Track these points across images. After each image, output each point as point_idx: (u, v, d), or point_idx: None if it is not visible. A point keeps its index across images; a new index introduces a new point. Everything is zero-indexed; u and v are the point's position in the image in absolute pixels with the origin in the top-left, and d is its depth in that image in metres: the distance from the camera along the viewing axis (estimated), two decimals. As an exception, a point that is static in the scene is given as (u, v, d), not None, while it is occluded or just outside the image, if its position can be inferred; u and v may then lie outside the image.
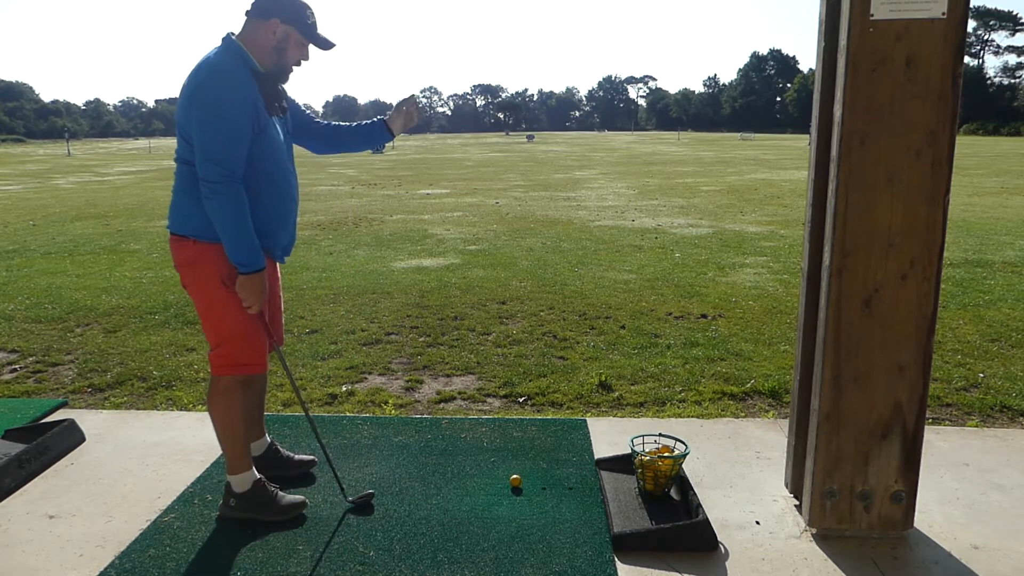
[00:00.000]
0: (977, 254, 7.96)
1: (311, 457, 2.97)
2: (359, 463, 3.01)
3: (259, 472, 2.65)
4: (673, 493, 2.72)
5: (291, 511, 2.57)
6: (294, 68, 2.44)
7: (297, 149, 2.65)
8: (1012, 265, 7.39)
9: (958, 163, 21.17)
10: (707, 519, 2.45)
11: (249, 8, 2.36)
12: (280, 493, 2.62)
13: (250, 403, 2.65)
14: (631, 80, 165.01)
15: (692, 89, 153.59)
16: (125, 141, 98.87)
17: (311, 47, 2.45)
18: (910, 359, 2.31)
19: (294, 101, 2.64)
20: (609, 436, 3.26)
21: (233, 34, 2.37)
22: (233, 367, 2.49)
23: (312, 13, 2.41)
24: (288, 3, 2.34)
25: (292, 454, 2.96)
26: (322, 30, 2.43)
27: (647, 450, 2.75)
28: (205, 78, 2.25)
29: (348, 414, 3.63)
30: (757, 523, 2.56)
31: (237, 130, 2.25)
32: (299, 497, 2.63)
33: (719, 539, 2.43)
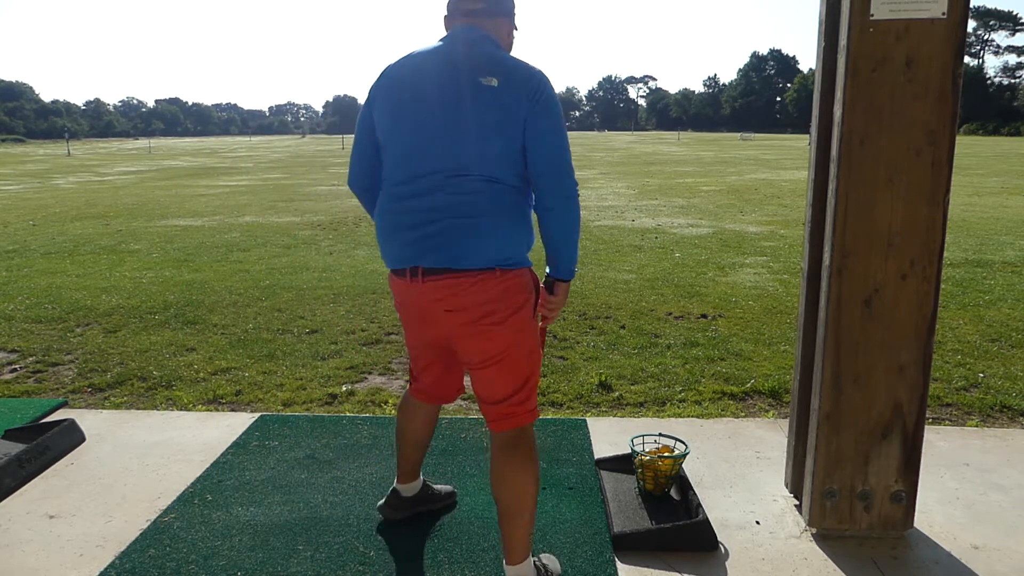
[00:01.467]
0: (977, 254, 7.96)
1: (451, 488, 2.72)
2: (359, 463, 3.01)
3: (408, 508, 2.52)
4: (673, 493, 2.72)
5: None
6: None
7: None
8: (1012, 265, 7.39)
9: (958, 163, 21.18)
10: (707, 519, 2.45)
11: (481, 7, 2.03)
12: None
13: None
14: (631, 80, 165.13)
15: (692, 89, 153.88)
16: (125, 141, 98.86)
17: None
18: (910, 359, 2.31)
19: None
20: (609, 436, 3.26)
21: (472, 27, 2.01)
22: (535, 408, 2.12)
23: None
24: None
25: (440, 488, 2.68)
26: None
27: (647, 450, 2.75)
28: (547, 82, 1.95)
29: (348, 414, 3.63)
30: (757, 523, 2.56)
31: None
32: None
33: (719, 539, 2.43)
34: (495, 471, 2.08)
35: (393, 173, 2.01)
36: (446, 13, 2.08)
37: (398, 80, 2.00)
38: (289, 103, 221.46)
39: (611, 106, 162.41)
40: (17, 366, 4.47)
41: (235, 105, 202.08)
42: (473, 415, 3.62)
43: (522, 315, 2.00)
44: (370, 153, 2.09)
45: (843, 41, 2.20)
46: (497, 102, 1.89)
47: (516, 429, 2.06)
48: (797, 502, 2.67)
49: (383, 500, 2.57)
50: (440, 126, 1.92)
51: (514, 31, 2.13)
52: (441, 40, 2.03)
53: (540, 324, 2.19)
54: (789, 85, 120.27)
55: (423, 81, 1.96)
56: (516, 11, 2.13)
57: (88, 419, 3.44)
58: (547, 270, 2.14)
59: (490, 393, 2.06)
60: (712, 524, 2.46)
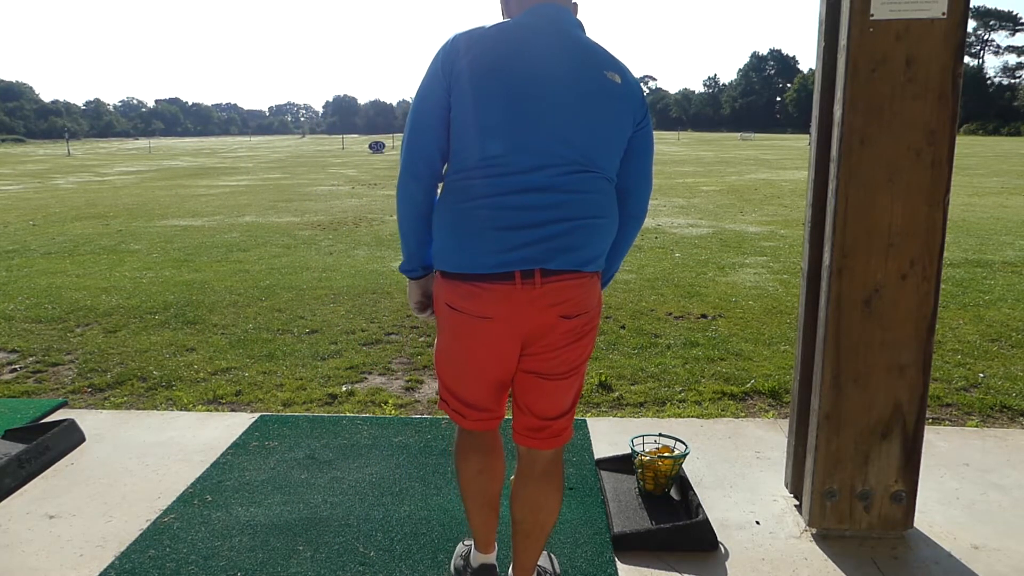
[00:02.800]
0: (977, 254, 7.96)
1: None
2: (359, 463, 3.01)
3: None
4: (673, 493, 2.72)
5: None
6: None
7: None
8: (1012, 265, 7.39)
9: (958, 163, 21.16)
10: (707, 519, 2.45)
11: None
12: None
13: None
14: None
15: (692, 89, 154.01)
16: (125, 141, 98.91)
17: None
18: (910, 359, 2.31)
19: None
20: (609, 436, 3.26)
21: (565, 8, 1.80)
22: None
23: None
24: None
25: None
26: None
27: (647, 450, 2.75)
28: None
29: (348, 414, 3.63)
30: (757, 523, 2.56)
31: None
32: None
33: (719, 539, 2.43)
34: (529, 493, 1.89)
35: (489, 161, 1.68)
36: None
37: (496, 55, 1.68)
38: (289, 103, 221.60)
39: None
40: (17, 366, 4.47)
41: (235, 105, 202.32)
42: (473, 415, 3.62)
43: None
44: (444, 135, 1.74)
45: (843, 41, 2.20)
46: (620, 103, 1.74)
47: (561, 447, 1.91)
48: (797, 502, 2.67)
49: None
50: (568, 116, 1.68)
51: None
52: (530, 16, 1.74)
53: None
54: (789, 85, 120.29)
55: (540, 62, 1.68)
56: None
57: (88, 419, 3.44)
58: None
59: (555, 406, 1.86)
60: (712, 524, 2.46)
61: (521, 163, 1.67)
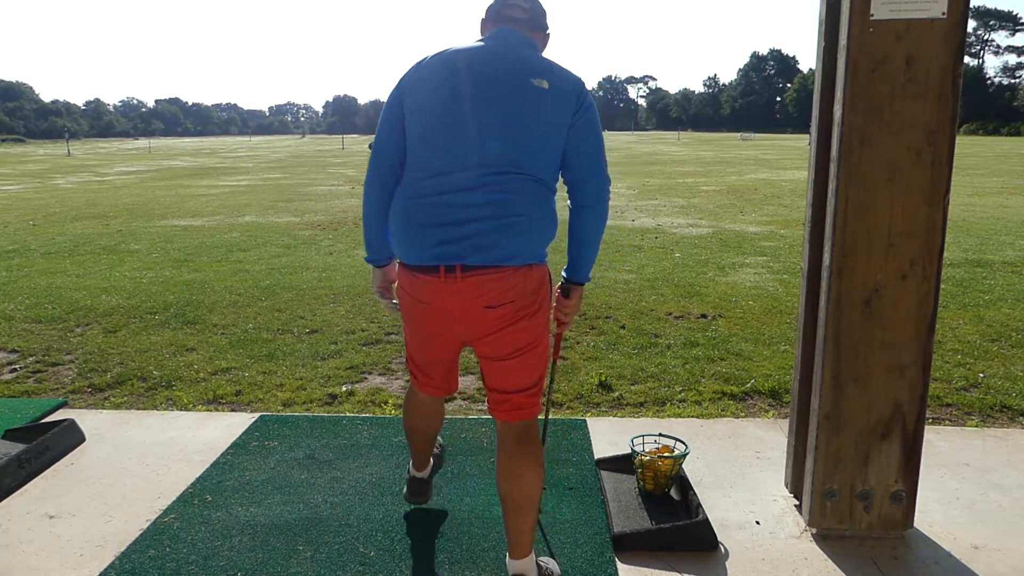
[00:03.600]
0: (977, 254, 7.96)
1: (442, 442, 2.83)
2: (359, 463, 3.01)
3: (431, 486, 2.64)
4: (673, 493, 2.72)
5: None
6: None
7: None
8: (1012, 265, 7.39)
9: (958, 163, 21.16)
10: (707, 519, 2.45)
11: (523, 16, 2.09)
12: None
13: None
14: (631, 80, 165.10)
15: (692, 89, 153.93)
16: (125, 141, 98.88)
17: None
18: (910, 359, 2.31)
19: None
20: (609, 436, 3.26)
21: (518, 32, 2.08)
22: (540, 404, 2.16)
23: None
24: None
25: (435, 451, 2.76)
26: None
27: (647, 450, 2.75)
28: (587, 91, 2.04)
29: (348, 414, 3.63)
30: (757, 523, 2.56)
31: None
32: None
33: (719, 539, 2.43)
34: (507, 465, 2.09)
35: (428, 164, 1.96)
36: (484, 18, 2.13)
37: (442, 73, 1.97)
38: (289, 103, 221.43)
39: (611, 106, 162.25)
40: (17, 366, 4.47)
41: (235, 105, 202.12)
42: (473, 415, 3.62)
43: (547, 306, 2.07)
44: (402, 145, 2.03)
45: (843, 41, 2.20)
46: (548, 104, 1.94)
47: (530, 420, 2.11)
48: (797, 502, 2.67)
49: (406, 490, 2.63)
50: (492, 122, 1.92)
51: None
52: (483, 40, 2.06)
53: (556, 330, 2.26)
54: (789, 85, 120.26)
55: (474, 76, 1.95)
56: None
57: (88, 419, 3.44)
58: (563, 274, 2.18)
59: (512, 383, 2.06)
60: (712, 524, 2.46)
61: (450, 167, 1.94)
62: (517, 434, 2.10)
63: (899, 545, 2.42)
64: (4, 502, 2.71)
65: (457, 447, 3.15)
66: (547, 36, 2.16)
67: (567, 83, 1.98)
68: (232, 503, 2.69)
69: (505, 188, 1.92)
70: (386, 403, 3.79)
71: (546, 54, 2.11)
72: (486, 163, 1.91)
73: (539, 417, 2.16)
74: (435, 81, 1.97)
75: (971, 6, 2.20)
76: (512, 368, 2.05)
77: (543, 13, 2.13)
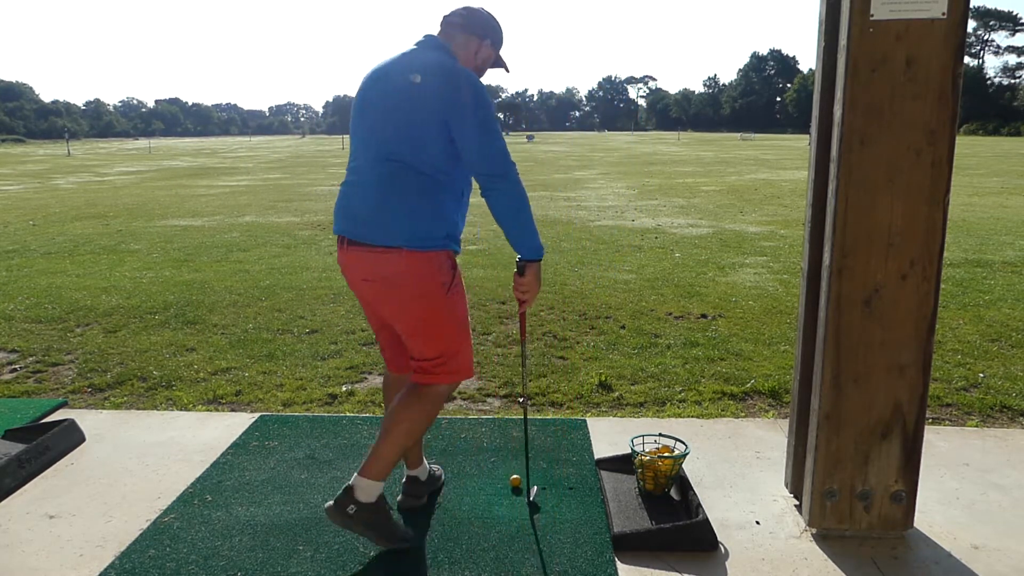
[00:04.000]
0: (977, 254, 7.96)
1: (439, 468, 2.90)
2: (359, 463, 2.99)
3: (424, 492, 2.70)
4: (673, 493, 2.72)
5: (400, 541, 2.38)
6: None
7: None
8: (1012, 265, 7.39)
9: (958, 163, 21.18)
10: (707, 519, 2.45)
11: (457, 21, 2.35)
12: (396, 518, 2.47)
13: None
14: (631, 80, 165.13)
15: (692, 89, 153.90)
16: (125, 141, 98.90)
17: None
18: (910, 359, 2.31)
19: None
20: (609, 436, 3.26)
21: (434, 36, 2.35)
22: (455, 374, 2.36)
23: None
24: (498, 29, 2.43)
25: (434, 468, 2.86)
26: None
27: (647, 450, 2.75)
28: (471, 81, 2.19)
29: (348, 414, 3.63)
30: (757, 523, 2.56)
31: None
32: (409, 531, 2.44)
33: (719, 539, 2.43)
34: (394, 405, 2.36)
35: (350, 160, 2.37)
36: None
37: (364, 80, 2.33)
38: (289, 103, 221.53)
39: (611, 106, 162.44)
40: (17, 366, 4.47)
41: (235, 105, 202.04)
42: (473, 415, 3.62)
43: (434, 292, 2.25)
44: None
45: (843, 41, 2.21)
46: (418, 96, 2.17)
47: (430, 385, 2.34)
48: (797, 502, 2.67)
49: (401, 495, 2.67)
50: (375, 118, 2.25)
51: (488, 55, 2.41)
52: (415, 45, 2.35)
53: (519, 309, 2.50)
54: (789, 85, 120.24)
55: (374, 82, 2.29)
56: (500, 42, 2.44)
57: (88, 419, 3.44)
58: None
59: (416, 351, 2.34)
60: (712, 524, 2.46)
61: (353, 156, 2.35)
62: (411, 388, 2.36)
63: (899, 545, 2.42)
64: (4, 502, 2.71)
65: (457, 447, 3.15)
66: (482, 42, 2.37)
67: (440, 77, 2.17)
68: (232, 503, 2.69)
69: (381, 175, 2.22)
70: (386, 403, 3.79)
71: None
72: (373, 156, 2.24)
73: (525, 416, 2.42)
74: (360, 86, 2.35)
75: (971, 6, 2.20)
76: (409, 339, 2.34)
77: (481, 22, 2.36)
